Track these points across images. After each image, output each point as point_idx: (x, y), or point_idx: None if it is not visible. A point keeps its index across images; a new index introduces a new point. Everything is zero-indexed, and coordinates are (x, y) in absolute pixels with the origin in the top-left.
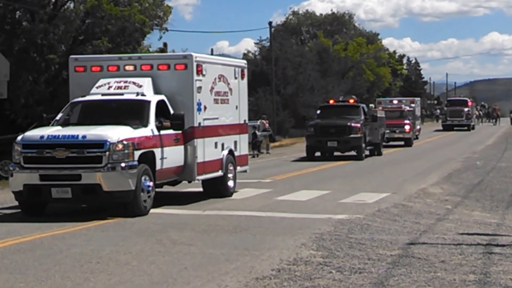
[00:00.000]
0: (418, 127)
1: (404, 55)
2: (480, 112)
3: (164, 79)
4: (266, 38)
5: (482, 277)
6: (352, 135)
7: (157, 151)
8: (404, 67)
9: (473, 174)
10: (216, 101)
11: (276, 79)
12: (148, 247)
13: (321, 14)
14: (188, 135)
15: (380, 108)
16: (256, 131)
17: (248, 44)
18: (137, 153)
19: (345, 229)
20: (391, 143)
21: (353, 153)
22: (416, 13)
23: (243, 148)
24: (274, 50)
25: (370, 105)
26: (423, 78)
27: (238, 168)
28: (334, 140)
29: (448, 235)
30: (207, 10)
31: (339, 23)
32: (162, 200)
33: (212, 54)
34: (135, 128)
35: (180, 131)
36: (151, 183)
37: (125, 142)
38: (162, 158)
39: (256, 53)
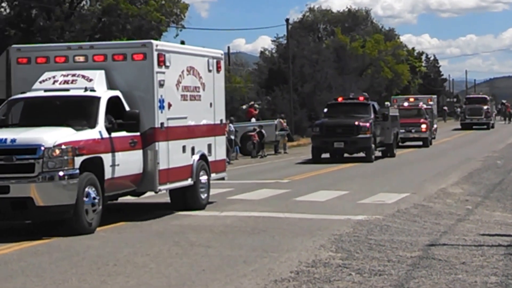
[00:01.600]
0: (435, 126)
1: (422, 52)
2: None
3: (119, 71)
4: (283, 36)
5: (504, 279)
6: (360, 135)
7: (107, 157)
8: (423, 64)
9: (494, 173)
10: (184, 97)
11: (293, 77)
12: (165, 249)
13: (338, 11)
14: (148, 138)
15: (395, 106)
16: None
17: (265, 42)
18: (78, 160)
19: (364, 230)
20: (407, 143)
21: (361, 154)
22: (434, 9)
23: (219, 152)
24: (291, 47)
25: (386, 103)
26: (442, 75)
27: (213, 176)
28: (341, 140)
29: (469, 236)
30: (224, 8)
31: (355, 19)
32: None
33: (228, 52)
34: (78, 130)
35: (136, 133)
36: (97, 196)
37: (63, 147)
38: (113, 165)
39: (273, 51)
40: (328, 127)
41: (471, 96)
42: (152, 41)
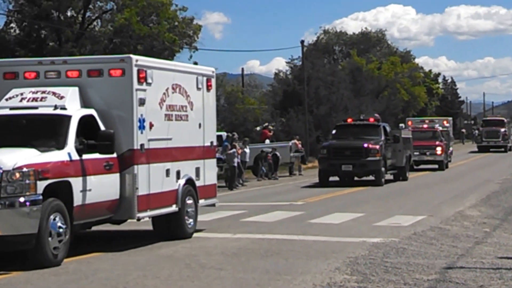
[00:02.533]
0: (450, 149)
1: (439, 74)
2: None
3: (95, 88)
4: (297, 57)
5: None
6: (369, 158)
7: (76, 181)
8: (440, 86)
9: None
10: (168, 117)
11: (308, 98)
12: (176, 272)
13: (353, 33)
14: (126, 160)
15: (410, 128)
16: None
17: (279, 63)
18: (42, 184)
19: (380, 252)
20: (422, 166)
21: (371, 177)
22: (452, 31)
23: (209, 176)
24: (306, 69)
25: (400, 125)
26: (460, 97)
27: (202, 202)
28: (349, 163)
29: (487, 259)
30: (237, 29)
31: (370, 41)
32: None
33: (242, 73)
34: (43, 151)
35: (113, 155)
36: (64, 224)
37: (24, 170)
38: (84, 190)
39: (288, 73)
40: (336, 149)
41: (488, 118)
42: (132, 55)
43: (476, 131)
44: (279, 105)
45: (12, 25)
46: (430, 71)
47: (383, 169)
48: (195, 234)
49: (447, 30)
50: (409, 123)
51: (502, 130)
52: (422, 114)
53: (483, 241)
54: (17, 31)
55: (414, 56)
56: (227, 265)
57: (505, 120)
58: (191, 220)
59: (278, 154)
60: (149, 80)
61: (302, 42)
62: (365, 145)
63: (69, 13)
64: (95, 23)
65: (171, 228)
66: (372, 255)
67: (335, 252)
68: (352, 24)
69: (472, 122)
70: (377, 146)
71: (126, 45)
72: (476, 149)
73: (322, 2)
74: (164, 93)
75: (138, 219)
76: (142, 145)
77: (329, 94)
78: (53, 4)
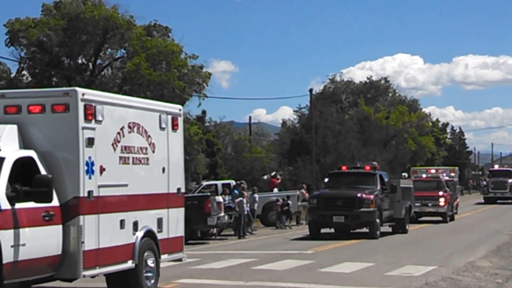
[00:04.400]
0: (457, 200)
1: (447, 124)
2: None
3: (37, 126)
4: (305, 106)
5: None
6: (363, 209)
7: (6, 234)
8: (448, 136)
9: None
10: (124, 160)
11: (316, 147)
12: None
13: (360, 82)
14: (70, 210)
15: (413, 177)
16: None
17: (286, 112)
18: None
19: None
20: (424, 218)
21: (365, 229)
22: (459, 81)
23: (174, 227)
24: (314, 118)
25: (403, 174)
26: (468, 147)
27: (165, 257)
28: (341, 214)
29: None
30: (244, 78)
31: (376, 90)
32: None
33: (250, 122)
34: None
35: (51, 204)
36: None
37: None
38: (16, 245)
39: (295, 121)
40: (327, 199)
41: (495, 169)
42: (77, 88)
43: (484, 182)
44: (287, 154)
45: (24, 72)
46: (437, 120)
47: (378, 221)
48: (207, 281)
49: (454, 80)
50: (414, 172)
51: (510, 181)
52: (430, 164)
53: None
54: (29, 79)
55: (420, 105)
56: None
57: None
58: (150, 277)
59: (290, 203)
60: (99, 117)
61: (311, 90)
62: (359, 194)
63: (80, 60)
64: (105, 70)
65: (128, 286)
66: None
67: None
68: (359, 73)
69: (480, 172)
70: (372, 196)
71: (136, 92)
72: (483, 200)
73: (328, 52)
74: (118, 133)
75: (83, 277)
76: (90, 192)
77: (336, 143)
78: (64, 51)
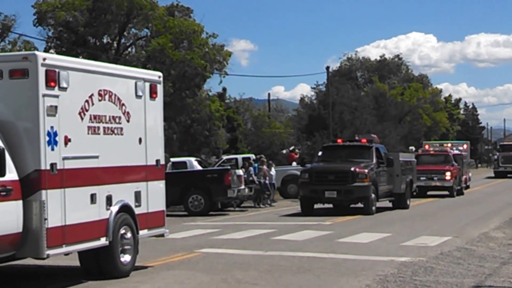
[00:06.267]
0: (470, 174)
1: (460, 99)
2: None
3: None
4: (322, 83)
5: None
6: (356, 183)
7: None
8: (461, 111)
9: None
10: (93, 130)
11: (333, 123)
12: (213, 286)
13: (375, 59)
14: (31, 184)
15: (420, 151)
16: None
17: (303, 89)
18: None
19: (409, 271)
20: (431, 192)
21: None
22: (472, 59)
23: (154, 201)
24: (331, 94)
25: (410, 147)
26: (481, 123)
27: (144, 232)
28: (333, 189)
29: None
30: (263, 56)
31: (388, 67)
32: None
33: (269, 98)
34: None
35: (8, 178)
36: None
37: None
38: None
39: (313, 98)
40: (319, 173)
41: (505, 143)
42: (37, 52)
43: (495, 156)
44: (305, 129)
45: (51, 51)
46: (450, 95)
47: (373, 196)
48: (229, 251)
49: (467, 57)
50: (426, 146)
51: None
52: (444, 139)
53: (509, 261)
54: None
55: (431, 80)
56: (261, 280)
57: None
58: (127, 255)
59: None
60: (63, 84)
61: (328, 68)
62: (352, 168)
63: (105, 40)
64: (129, 49)
65: (100, 265)
66: (401, 274)
67: (365, 270)
68: (374, 51)
69: (491, 147)
70: (366, 170)
71: (159, 70)
72: (493, 175)
73: (344, 31)
74: (86, 101)
75: (47, 257)
76: (53, 164)
77: (353, 119)
78: (90, 31)
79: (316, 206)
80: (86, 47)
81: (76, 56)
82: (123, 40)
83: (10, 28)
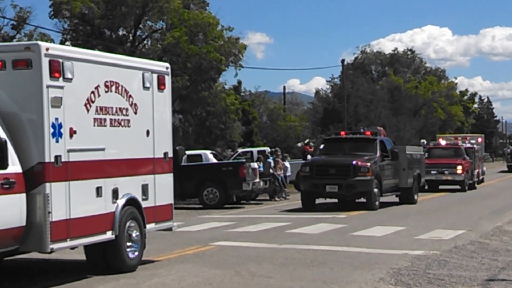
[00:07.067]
0: (484, 168)
1: (475, 93)
2: None
3: None
4: (337, 76)
5: None
6: (358, 178)
7: None
8: (476, 105)
9: None
10: (100, 122)
11: (348, 116)
12: (227, 279)
13: (389, 53)
14: (34, 177)
15: (431, 144)
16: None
17: (319, 82)
18: None
19: (423, 264)
20: (443, 186)
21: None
22: (487, 52)
23: (162, 195)
24: (346, 88)
25: (421, 140)
26: (496, 116)
27: (152, 226)
28: (334, 183)
29: None
30: (278, 49)
31: (401, 60)
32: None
33: (284, 91)
34: None
35: (11, 171)
36: None
37: None
38: None
39: (328, 91)
40: (319, 167)
41: None
42: (40, 42)
43: (508, 150)
44: (320, 122)
45: (67, 43)
46: (466, 90)
47: (376, 190)
48: (243, 244)
49: (482, 51)
50: (440, 139)
51: None
52: (459, 132)
53: None
54: None
55: (446, 73)
56: (275, 273)
57: None
58: (134, 249)
59: None
60: (68, 75)
61: (343, 61)
62: (354, 162)
63: (120, 32)
64: (145, 41)
65: (106, 259)
66: (415, 267)
67: (379, 263)
68: (389, 45)
69: (505, 141)
70: (368, 164)
71: (175, 63)
72: (506, 169)
73: (359, 24)
74: (92, 92)
75: (51, 251)
76: (57, 157)
77: (367, 112)
78: (105, 23)
79: (318, 201)
80: (102, 39)
81: (92, 48)
82: (138, 33)
83: (25, 20)
